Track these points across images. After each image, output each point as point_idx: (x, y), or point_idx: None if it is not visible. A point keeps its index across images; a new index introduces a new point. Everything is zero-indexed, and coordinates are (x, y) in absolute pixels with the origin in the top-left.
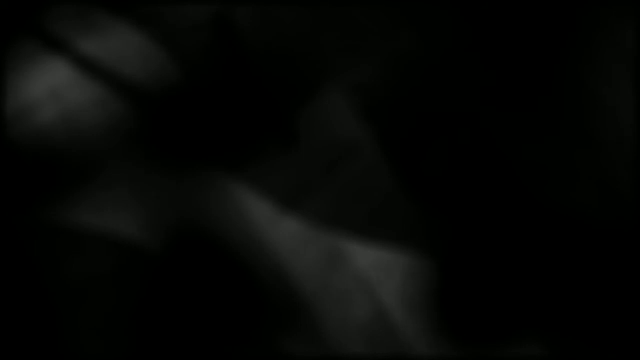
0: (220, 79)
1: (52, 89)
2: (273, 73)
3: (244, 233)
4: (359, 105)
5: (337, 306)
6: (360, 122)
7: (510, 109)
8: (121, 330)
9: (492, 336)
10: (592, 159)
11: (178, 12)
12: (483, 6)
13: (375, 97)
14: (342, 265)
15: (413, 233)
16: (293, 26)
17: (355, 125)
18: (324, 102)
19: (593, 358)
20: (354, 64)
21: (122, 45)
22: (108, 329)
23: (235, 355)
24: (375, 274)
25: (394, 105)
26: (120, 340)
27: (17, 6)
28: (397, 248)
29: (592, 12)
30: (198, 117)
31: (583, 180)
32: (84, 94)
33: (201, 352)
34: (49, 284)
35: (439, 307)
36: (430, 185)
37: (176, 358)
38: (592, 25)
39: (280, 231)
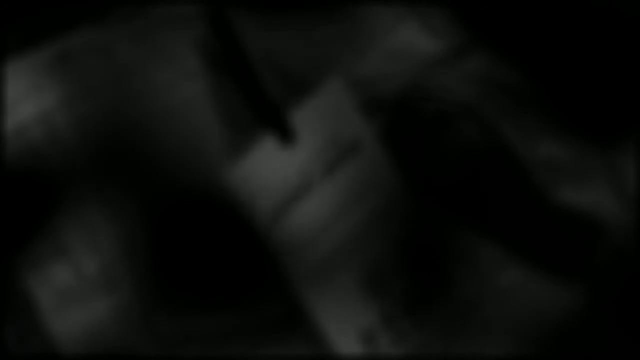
0: (217, 77)
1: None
2: (272, 69)
3: (243, 232)
4: (360, 101)
5: (337, 306)
6: (361, 119)
7: (515, 105)
8: (110, 332)
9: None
10: (603, 155)
11: (171, 9)
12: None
13: (376, 92)
14: (342, 264)
15: (414, 231)
16: (292, 22)
17: (357, 122)
18: (324, 99)
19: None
20: (355, 60)
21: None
22: (97, 330)
23: (235, 355)
24: (375, 274)
25: (395, 101)
26: (111, 342)
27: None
28: (399, 247)
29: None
30: (195, 116)
31: (595, 177)
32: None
33: (198, 353)
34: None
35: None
36: (434, 183)
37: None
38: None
39: (280, 231)
